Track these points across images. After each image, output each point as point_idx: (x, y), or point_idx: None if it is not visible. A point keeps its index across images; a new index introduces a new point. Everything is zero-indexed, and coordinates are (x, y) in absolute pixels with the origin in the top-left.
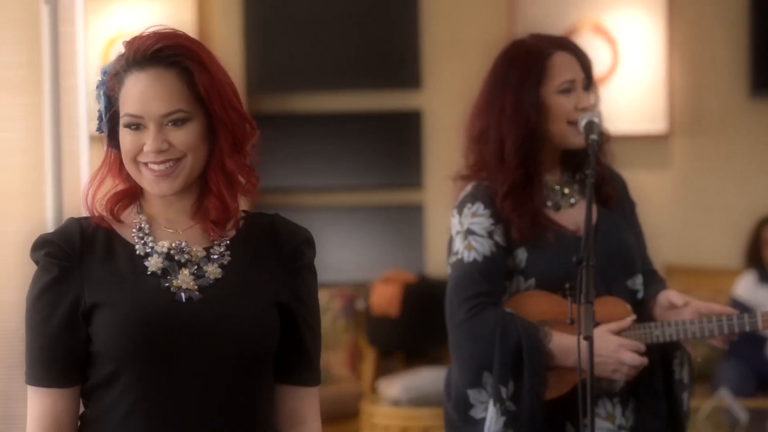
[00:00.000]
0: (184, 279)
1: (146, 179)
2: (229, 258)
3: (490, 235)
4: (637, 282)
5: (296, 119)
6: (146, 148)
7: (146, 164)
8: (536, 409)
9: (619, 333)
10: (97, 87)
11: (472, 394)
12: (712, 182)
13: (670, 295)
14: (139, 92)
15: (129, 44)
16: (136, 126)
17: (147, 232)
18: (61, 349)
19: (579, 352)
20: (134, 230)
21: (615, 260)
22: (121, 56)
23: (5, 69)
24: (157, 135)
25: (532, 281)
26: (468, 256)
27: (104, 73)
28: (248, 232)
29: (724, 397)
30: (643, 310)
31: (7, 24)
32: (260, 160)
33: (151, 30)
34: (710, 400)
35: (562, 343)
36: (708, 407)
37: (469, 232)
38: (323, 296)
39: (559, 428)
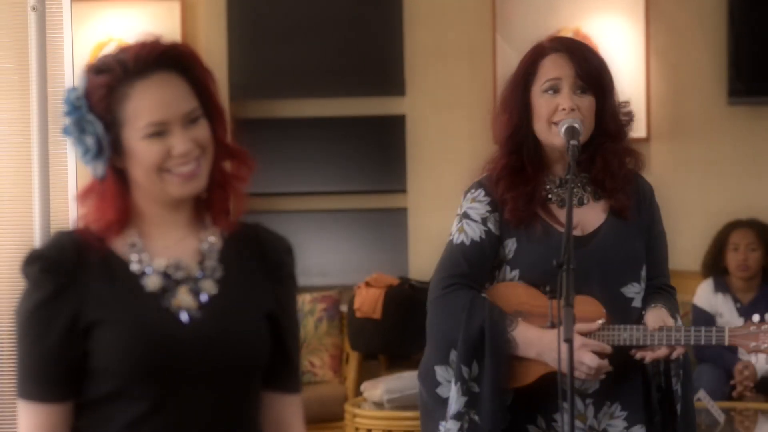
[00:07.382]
0: (183, 297)
1: (172, 184)
2: (221, 272)
3: (484, 221)
4: (634, 290)
5: (280, 124)
6: (176, 152)
7: (170, 170)
8: (496, 394)
9: (588, 333)
10: (74, 114)
11: (439, 371)
12: (690, 188)
13: (647, 318)
14: (157, 98)
15: (119, 57)
16: (159, 133)
17: (141, 248)
18: (58, 364)
19: (559, 353)
20: (127, 246)
21: (609, 266)
22: (106, 73)
23: None
24: (185, 136)
25: (516, 272)
26: (458, 238)
27: (79, 98)
28: (235, 243)
29: (703, 398)
30: (640, 321)
31: None
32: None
33: (140, 39)
34: None
35: (526, 333)
36: None
37: (465, 216)
38: (307, 300)
39: (531, 420)
